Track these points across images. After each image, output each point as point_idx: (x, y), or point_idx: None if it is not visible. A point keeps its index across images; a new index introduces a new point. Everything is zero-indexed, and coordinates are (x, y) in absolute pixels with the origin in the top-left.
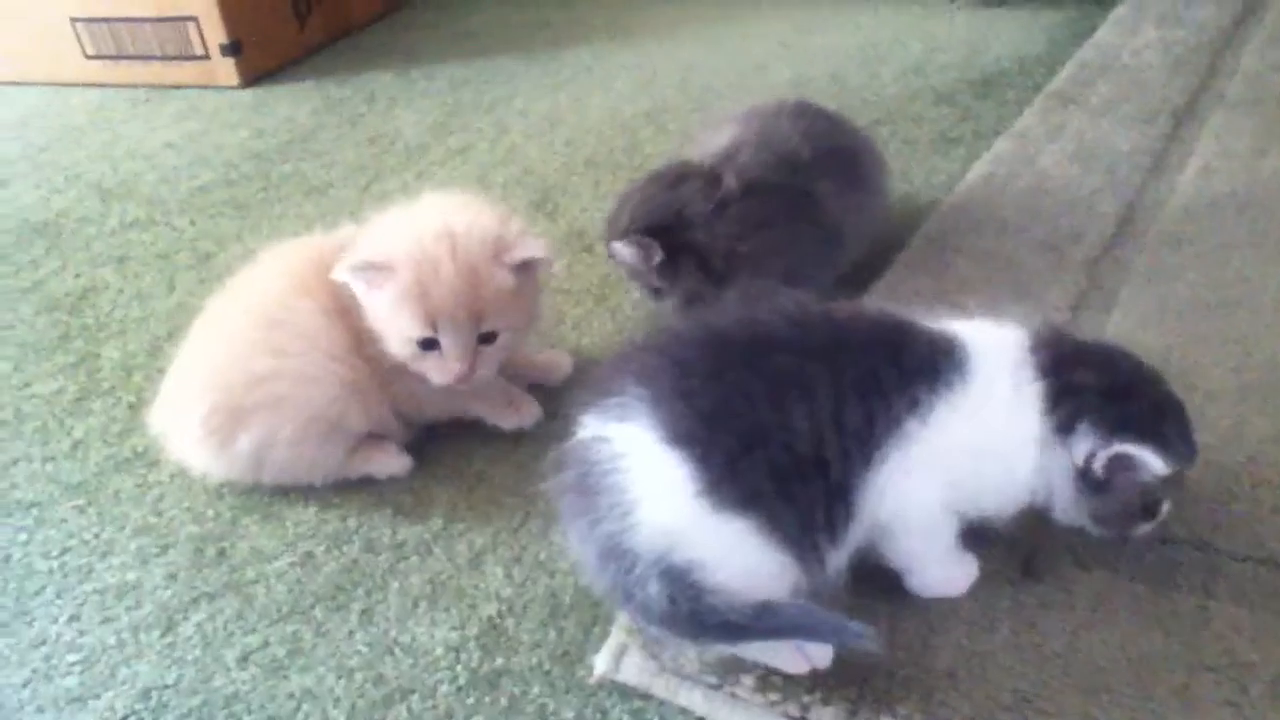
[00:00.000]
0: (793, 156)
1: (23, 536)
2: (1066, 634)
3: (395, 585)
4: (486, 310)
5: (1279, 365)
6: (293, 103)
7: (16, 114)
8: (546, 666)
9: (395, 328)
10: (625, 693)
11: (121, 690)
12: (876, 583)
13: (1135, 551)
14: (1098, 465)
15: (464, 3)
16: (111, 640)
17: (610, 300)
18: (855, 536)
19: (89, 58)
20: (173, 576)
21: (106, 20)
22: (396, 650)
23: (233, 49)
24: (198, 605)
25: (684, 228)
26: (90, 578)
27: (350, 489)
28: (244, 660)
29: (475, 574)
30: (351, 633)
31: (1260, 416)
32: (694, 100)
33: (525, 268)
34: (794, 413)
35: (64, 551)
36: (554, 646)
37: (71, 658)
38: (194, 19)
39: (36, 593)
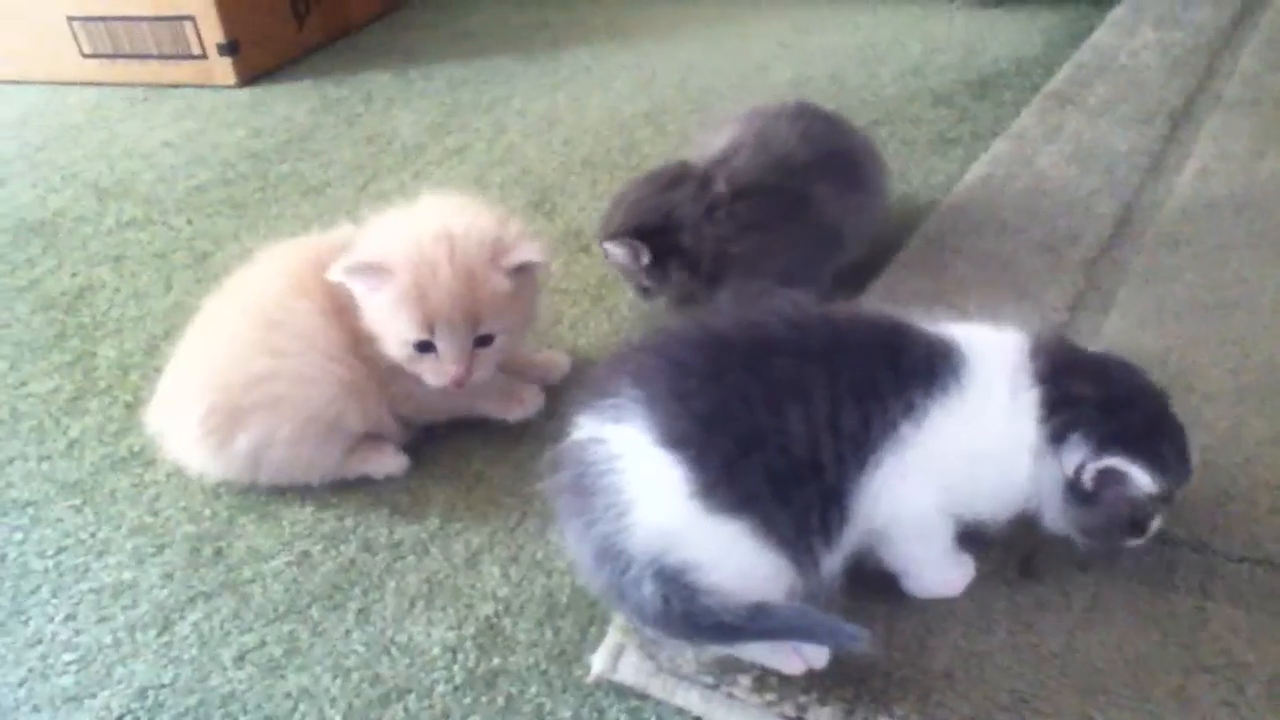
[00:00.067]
0: (788, 158)
1: (18, 535)
2: (1064, 634)
3: (392, 585)
4: (483, 313)
5: (1277, 366)
6: (290, 102)
7: (13, 113)
8: (543, 666)
9: (392, 330)
10: (622, 692)
11: (117, 690)
12: (873, 583)
13: (1132, 552)
14: (1087, 478)
15: (462, 3)
16: (107, 639)
17: (607, 300)
18: (850, 539)
19: (86, 56)
20: (169, 576)
21: (104, 19)
22: (393, 650)
23: (230, 48)
24: (194, 604)
25: (673, 230)
26: (86, 577)
27: (347, 489)
28: (240, 660)
29: (472, 574)
30: (348, 632)
31: (1258, 418)
32: (693, 101)
33: (523, 271)
34: (790, 415)
35: (60, 550)
36: (551, 646)
37: (67, 657)
38: (191, 18)
39: (32, 592)
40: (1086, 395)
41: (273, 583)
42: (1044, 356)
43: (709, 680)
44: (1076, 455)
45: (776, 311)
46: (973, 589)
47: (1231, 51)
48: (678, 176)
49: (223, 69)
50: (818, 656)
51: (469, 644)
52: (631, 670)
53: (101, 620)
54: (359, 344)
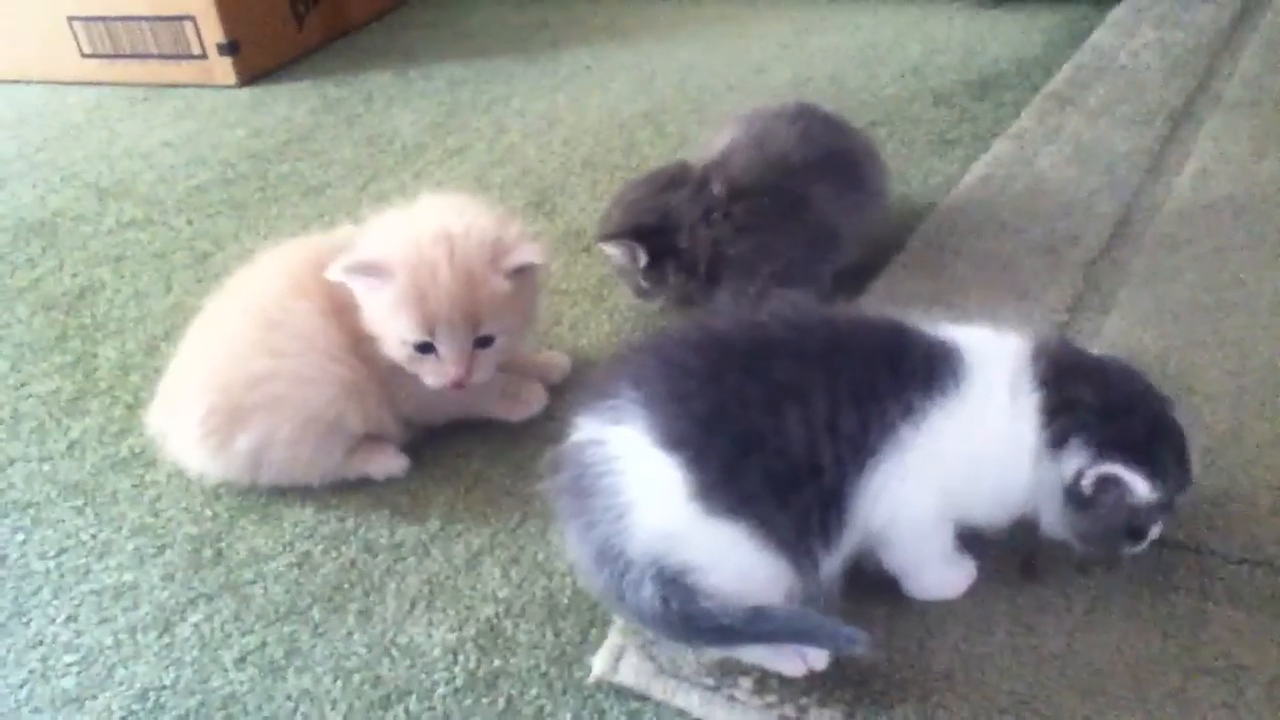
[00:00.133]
0: (786, 159)
1: (20, 537)
2: (1064, 636)
3: (393, 586)
4: (483, 315)
5: (1276, 368)
6: (290, 102)
7: (13, 112)
8: (544, 668)
9: (392, 330)
10: (623, 694)
11: (119, 691)
12: (873, 585)
13: (1132, 555)
14: (1085, 483)
15: (462, 3)
16: (109, 641)
17: (608, 301)
18: (850, 541)
19: (86, 56)
20: (170, 577)
21: (104, 19)
22: (394, 651)
23: (230, 48)
24: (195, 606)
25: (670, 231)
26: (87, 578)
27: (348, 490)
28: (241, 661)
29: (473, 575)
30: (349, 634)
31: (1258, 419)
32: (692, 101)
33: (523, 272)
34: (789, 417)
35: (61, 552)
36: (552, 648)
37: (69, 658)
38: (191, 18)
39: (33, 593)
40: (1087, 400)
41: (274, 584)
42: (1045, 360)
43: (710, 682)
44: (1075, 461)
45: (776, 313)
46: (973, 591)
47: (1231, 52)
48: (676, 177)
49: (223, 69)
50: (818, 658)
51: (470, 645)
52: (632, 672)
53: (103, 621)
54: (359, 344)
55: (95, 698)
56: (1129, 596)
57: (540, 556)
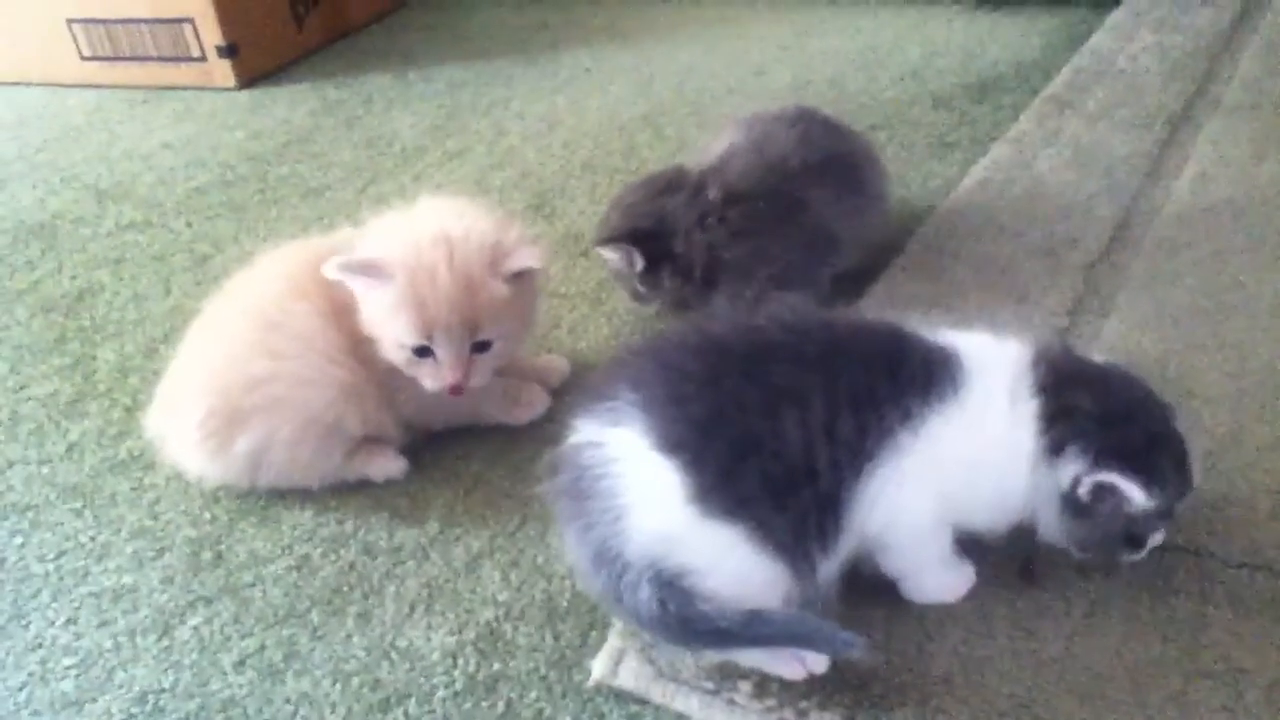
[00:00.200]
0: (784, 163)
1: (18, 539)
2: (1063, 640)
3: (392, 589)
4: (482, 319)
5: (1276, 371)
6: (290, 104)
7: (13, 115)
8: (543, 671)
9: (390, 333)
10: (622, 698)
11: (118, 694)
12: (872, 588)
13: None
14: (1082, 490)
15: (462, 5)
16: (108, 644)
17: (606, 305)
18: (848, 545)
19: (86, 59)
20: (169, 580)
21: (103, 21)
22: (393, 655)
23: (229, 50)
24: (194, 609)
25: (666, 236)
26: (86, 581)
27: (347, 492)
28: (240, 664)
29: (472, 578)
30: (348, 637)
31: (1257, 422)
32: (691, 104)
33: (521, 277)
34: (786, 421)
35: (60, 554)
36: (551, 651)
37: (67, 661)
38: (191, 20)
39: (32, 596)
40: (1086, 407)
41: (273, 587)
42: (1045, 366)
43: (709, 686)
44: (1073, 468)
45: (775, 317)
46: (972, 594)
47: (1231, 56)
48: (673, 182)
49: (222, 71)
50: (818, 662)
51: (469, 649)
52: (632, 675)
53: (102, 624)
54: (358, 346)
55: (94, 701)
56: (1128, 600)
57: (540, 559)
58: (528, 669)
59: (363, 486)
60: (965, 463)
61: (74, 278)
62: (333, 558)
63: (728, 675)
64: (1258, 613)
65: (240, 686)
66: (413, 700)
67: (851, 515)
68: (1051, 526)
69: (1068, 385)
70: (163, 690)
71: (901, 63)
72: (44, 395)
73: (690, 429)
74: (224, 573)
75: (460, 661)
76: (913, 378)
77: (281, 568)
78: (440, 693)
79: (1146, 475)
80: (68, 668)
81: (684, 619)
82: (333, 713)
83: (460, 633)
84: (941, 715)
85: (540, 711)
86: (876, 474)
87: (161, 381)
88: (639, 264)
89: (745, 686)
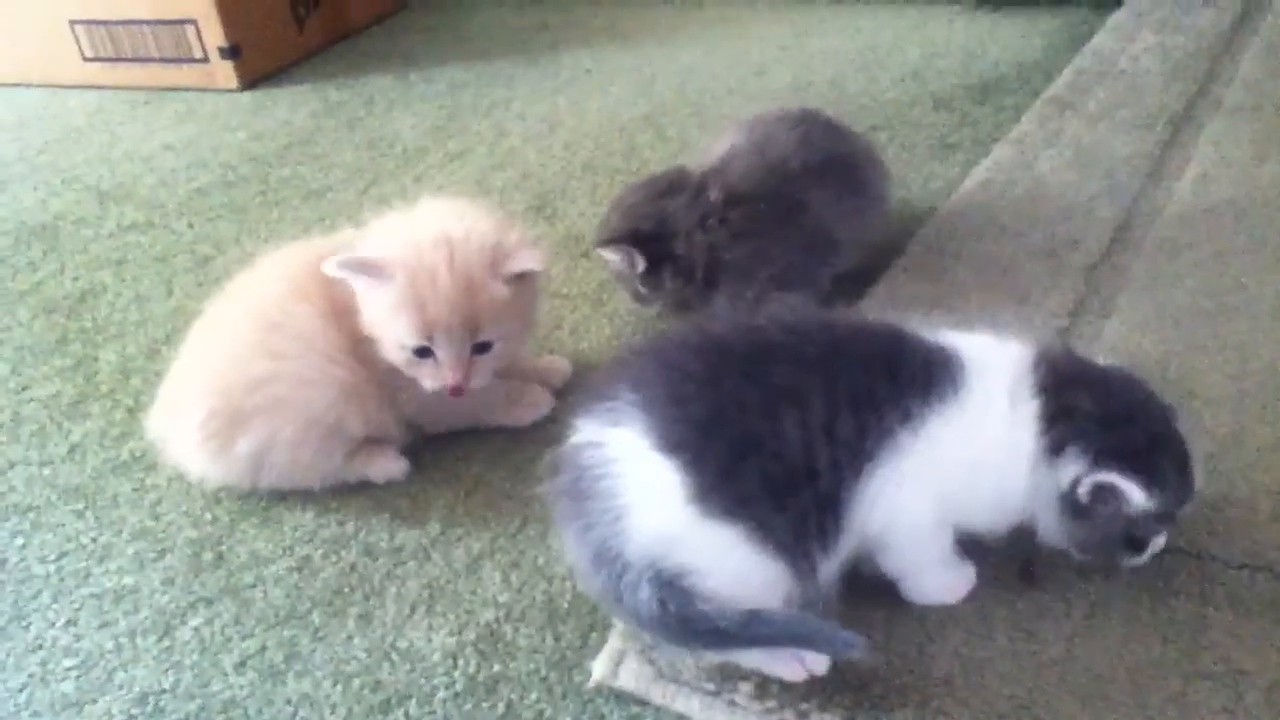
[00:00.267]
0: (785, 164)
1: (20, 540)
2: (1064, 641)
3: (393, 590)
4: (482, 320)
5: (1277, 372)
6: (291, 106)
7: (15, 116)
8: (544, 672)
9: (390, 334)
10: (622, 699)
11: (118, 695)
12: (872, 589)
13: None
14: (1081, 491)
15: (463, 6)
16: (109, 645)
17: (608, 305)
18: (848, 546)
19: (87, 60)
20: (170, 581)
21: (105, 22)
22: (394, 656)
23: (231, 52)
24: (195, 610)
25: (667, 237)
26: (87, 582)
27: (348, 493)
28: (241, 665)
29: (473, 579)
30: (349, 638)
31: (1258, 424)
32: (692, 104)
33: (522, 278)
34: (786, 421)
35: (61, 555)
36: (551, 652)
37: (68, 662)
38: (193, 21)
39: (33, 597)
40: (1086, 408)
41: (274, 588)
42: (1045, 367)
43: (710, 687)
44: (1072, 468)
45: (775, 317)
46: (972, 595)
47: (1232, 56)
48: (674, 183)
49: (224, 72)
50: (818, 662)
51: (470, 650)
52: (632, 676)
53: (103, 625)
54: (359, 347)
55: (95, 702)
56: (1129, 602)
57: (540, 561)
58: (528, 670)
59: (364, 487)
60: (965, 463)
61: (76, 279)
62: (334, 559)
63: (728, 676)
64: (1258, 614)
65: (241, 687)
66: (413, 701)
67: (852, 515)
68: (1052, 528)
69: (1068, 386)
70: (163, 691)
71: (902, 63)
72: (46, 396)
73: (690, 429)
74: (225, 574)
75: (461, 662)
76: (913, 378)
77: (282, 569)
78: (441, 694)
79: (1146, 476)
80: (68, 669)
81: (684, 619)
82: (333, 714)
83: (461, 634)
84: (942, 717)
85: (541, 713)
86: (876, 474)
87: (163, 383)
88: (640, 265)
89: (746, 688)
